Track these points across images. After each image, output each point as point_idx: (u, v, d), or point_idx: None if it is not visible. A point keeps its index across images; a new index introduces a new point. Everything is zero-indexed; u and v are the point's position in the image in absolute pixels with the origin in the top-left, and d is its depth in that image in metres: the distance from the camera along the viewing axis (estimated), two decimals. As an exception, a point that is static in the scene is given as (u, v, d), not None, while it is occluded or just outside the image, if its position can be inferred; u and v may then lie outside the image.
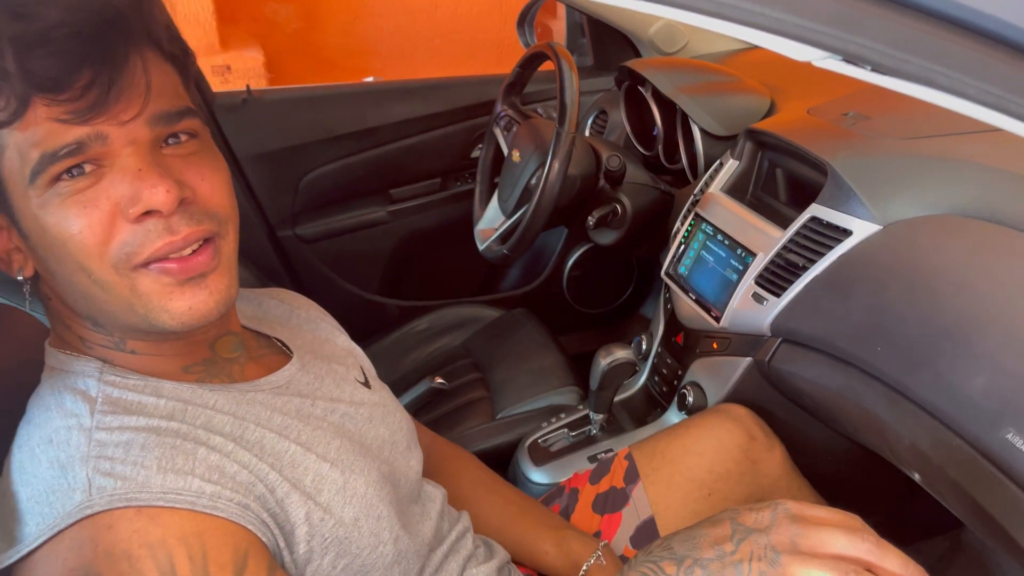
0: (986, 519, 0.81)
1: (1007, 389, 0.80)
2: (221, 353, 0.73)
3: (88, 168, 0.58)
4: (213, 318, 0.65)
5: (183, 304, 0.62)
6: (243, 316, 0.81)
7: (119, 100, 0.58)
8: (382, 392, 0.87)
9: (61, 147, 0.56)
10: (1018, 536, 0.77)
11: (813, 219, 1.09)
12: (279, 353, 0.79)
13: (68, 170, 0.58)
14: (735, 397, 1.18)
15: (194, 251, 0.62)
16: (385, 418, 0.83)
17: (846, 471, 1.23)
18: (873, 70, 0.46)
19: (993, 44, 0.45)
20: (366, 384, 0.85)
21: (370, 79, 2.09)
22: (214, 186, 0.64)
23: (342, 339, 0.91)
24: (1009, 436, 0.78)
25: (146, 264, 0.61)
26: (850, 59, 0.46)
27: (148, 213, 0.59)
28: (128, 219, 0.59)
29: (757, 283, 1.13)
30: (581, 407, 1.34)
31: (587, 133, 1.84)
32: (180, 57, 0.65)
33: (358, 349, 0.92)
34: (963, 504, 0.85)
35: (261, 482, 0.63)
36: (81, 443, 0.59)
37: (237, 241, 0.68)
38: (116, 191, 0.59)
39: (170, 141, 0.62)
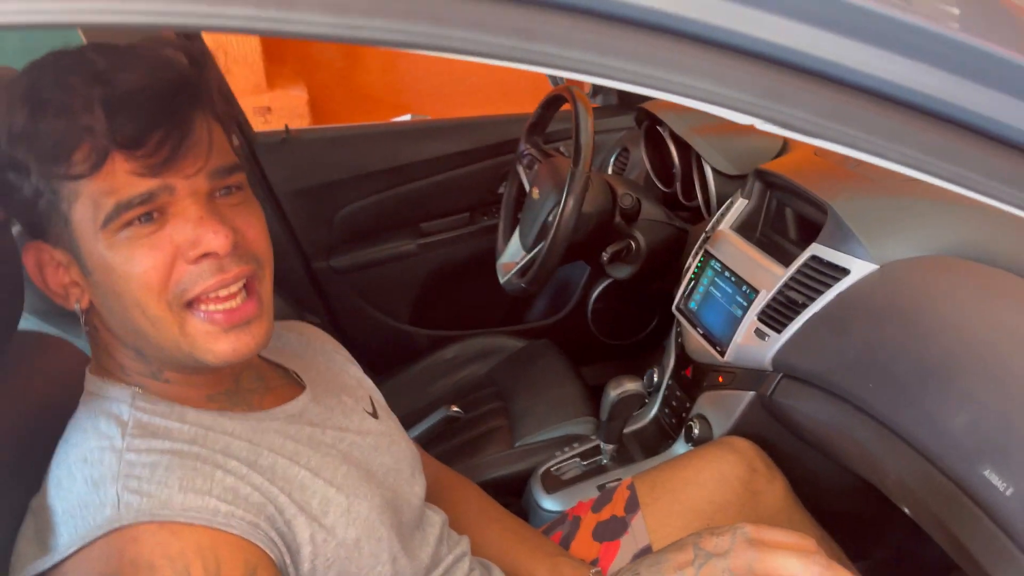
0: (965, 554, 0.83)
1: (987, 427, 0.83)
2: (243, 384, 0.79)
3: (155, 215, 0.65)
4: (252, 357, 0.72)
5: (227, 347, 0.69)
6: None
7: (186, 157, 0.65)
8: (389, 422, 0.93)
9: (135, 197, 0.63)
10: (992, 570, 0.79)
11: (813, 258, 1.12)
12: (293, 384, 0.86)
13: (139, 217, 0.64)
14: (739, 430, 1.21)
15: (242, 302, 0.69)
16: (390, 447, 0.88)
17: (852, 506, 1.24)
18: (808, 136, 0.51)
19: (907, 111, 0.50)
20: (374, 415, 0.91)
21: (407, 116, 2.18)
22: (257, 232, 0.72)
23: (353, 370, 0.97)
24: (986, 473, 0.80)
25: (196, 302, 0.68)
26: (780, 125, 0.51)
27: (205, 255, 0.67)
28: (187, 260, 0.66)
29: (760, 319, 1.16)
30: (593, 437, 1.38)
31: (610, 170, 1.89)
32: (229, 117, 0.73)
33: (368, 381, 0.98)
34: (946, 538, 0.87)
35: (272, 504, 0.69)
36: (113, 463, 0.65)
37: (272, 281, 0.75)
38: (179, 236, 0.66)
39: (223, 193, 0.70)
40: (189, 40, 0.70)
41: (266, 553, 0.66)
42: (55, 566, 0.62)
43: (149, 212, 0.65)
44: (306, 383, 0.85)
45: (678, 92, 0.49)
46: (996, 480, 0.79)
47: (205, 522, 0.63)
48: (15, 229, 1.13)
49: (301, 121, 2.67)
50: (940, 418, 0.87)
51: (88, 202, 0.64)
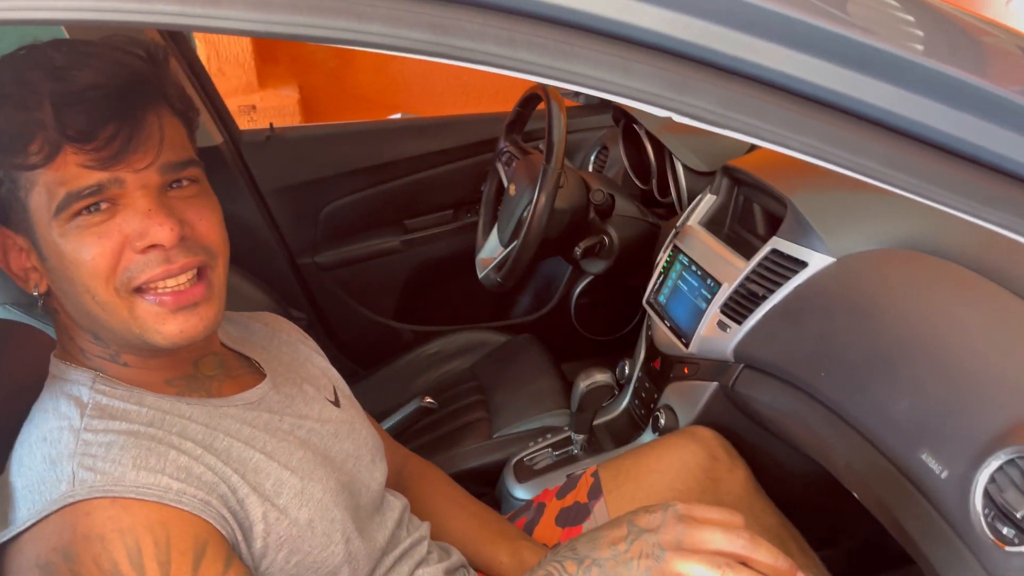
0: (905, 534, 0.86)
1: (926, 413, 0.85)
2: (202, 370, 0.82)
3: (104, 206, 0.68)
4: (199, 340, 0.75)
5: (175, 327, 0.72)
6: (228, 337, 0.91)
7: (136, 151, 0.68)
8: (351, 411, 0.96)
9: (84, 188, 0.67)
10: (927, 550, 0.82)
11: (774, 251, 1.15)
12: (255, 372, 0.89)
13: (88, 207, 0.68)
14: (704, 420, 1.23)
15: (190, 284, 0.72)
16: (351, 434, 0.91)
17: (816, 496, 1.26)
18: (712, 124, 0.54)
19: (807, 103, 0.52)
20: (336, 403, 0.94)
21: (398, 115, 2.21)
22: (210, 224, 0.75)
23: (318, 360, 0.99)
24: (924, 457, 0.83)
25: (142, 288, 0.70)
26: (691, 117, 0.54)
27: (152, 246, 0.69)
28: (135, 250, 0.69)
29: (722, 311, 1.19)
30: (566, 428, 1.41)
31: (590, 168, 1.92)
32: (188, 113, 0.76)
33: (333, 371, 1.00)
34: (889, 520, 0.90)
35: (224, 483, 0.72)
36: (70, 442, 0.68)
37: (226, 272, 0.78)
38: (127, 226, 0.69)
39: (175, 185, 0.73)
40: (148, 37, 0.73)
41: (217, 530, 0.69)
42: (12, 539, 0.65)
43: (98, 203, 0.68)
44: (267, 372, 0.88)
45: (592, 86, 0.52)
46: (932, 464, 0.81)
47: (156, 498, 0.66)
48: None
49: (291, 120, 2.71)
50: (885, 405, 0.90)
51: (43, 191, 0.67)
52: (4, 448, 0.74)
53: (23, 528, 0.65)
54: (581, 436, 1.35)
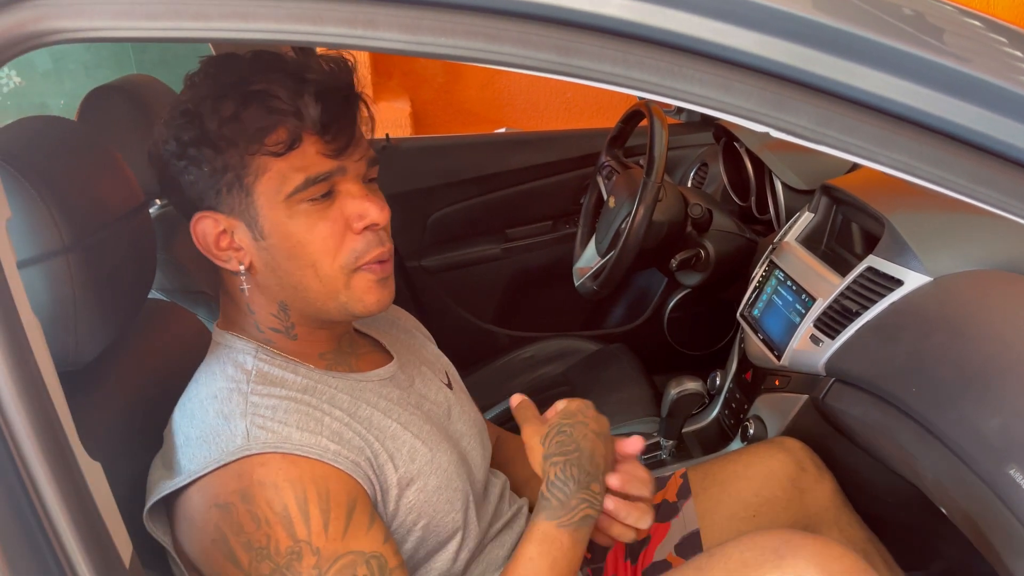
0: (991, 549, 0.87)
1: (1017, 431, 0.86)
2: (343, 347, 0.92)
3: (326, 192, 0.78)
4: (385, 310, 0.86)
5: (375, 298, 0.83)
6: (357, 321, 1.00)
7: (356, 145, 0.80)
8: (461, 395, 1.04)
9: (320, 174, 0.77)
10: (1012, 564, 0.83)
11: (870, 269, 1.17)
12: (382, 352, 0.98)
13: (320, 193, 0.78)
14: (793, 432, 1.26)
15: (387, 261, 0.84)
16: (462, 415, 1.00)
17: (905, 515, 1.27)
18: (806, 140, 0.59)
19: (896, 121, 0.57)
20: (449, 386, 1.02)
21: (503, 130, 2.31)
22: (389, 215, 0.86)
23: (431, 347, 1.08)
24: (1012, 472, 0.84)
25: (362, 267, 0.81)
26: (787, 132, 0.59)
27: (368, 227, 0.80)
28: (354, 231, 0.80)
29: (815, 326, 1.22)
30: (655, 434, 1.45)
31: (689, 184, 1.96)
32: (369, 120, 0.88)
33: (444, 358, 1.09)
34: (974, 535, 0.91)
35: (368, 448, 0.81)
36: (240, 402, 0.78)
37: None
38: (347, 209, 0.79)
39: (372, 178, 0.84)
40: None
41: (364, 489, 0.78)
42: (191, 483, 0.76)
43: (326, 190, 0.78)
44: (393, 354, 0.97)
45: (696, 102, 0.58)
46: (1021, 479, 0.83)
47: (318, 456, 0.76)
48: (152, 210, 1.30)
49: (403, 132, 2.84)
50: (975, 421, 0.91)
51: (275, 176, 0.76)
52: (162, 409, 0.85)
53: (202, 474, 0.75)
54: (670, 442, 1.39)
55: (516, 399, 0.94)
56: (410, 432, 0.86)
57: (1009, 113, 0.54)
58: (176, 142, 0.77)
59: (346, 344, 0.92)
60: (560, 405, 0.92)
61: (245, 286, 0.83)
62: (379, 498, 0.81)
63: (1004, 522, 0.85)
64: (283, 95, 0.75)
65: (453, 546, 0.88)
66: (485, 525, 0.95)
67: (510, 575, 0.82)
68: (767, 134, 1.57)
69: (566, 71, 0.57)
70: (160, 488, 0.77)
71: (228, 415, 0.77)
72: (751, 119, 0.58)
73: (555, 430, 0.88)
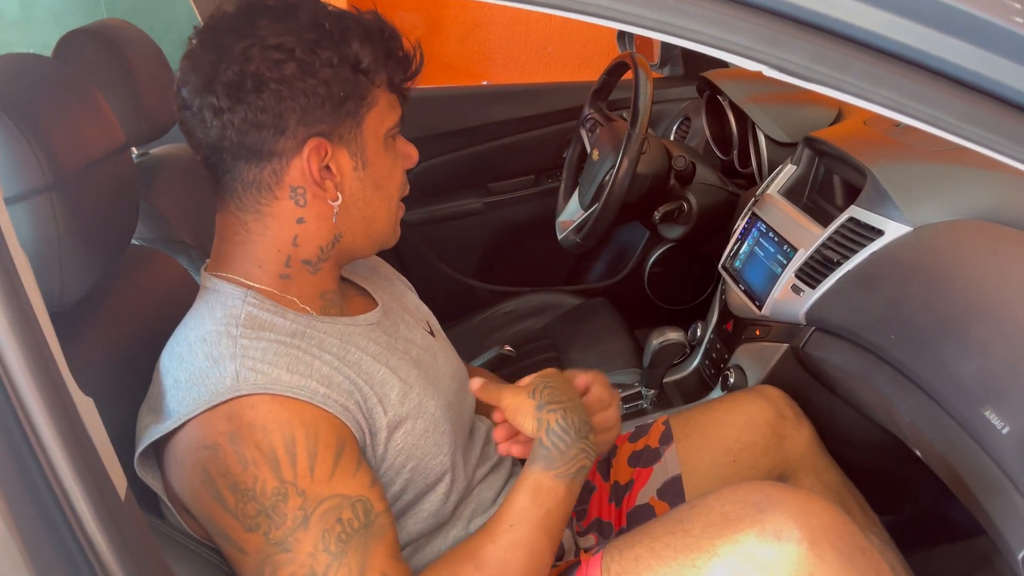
0: (964, 488, 0.90)
1: (992, 373, 0.89)
2: (339, 289, 0.93)
3: None
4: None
5: (399, 231, 0.93)
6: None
7: None
8: (444, 342, 1.04)
9: (402, 115, 0.87)
10: (985, 502, 0.86)
11: (851, 219, 1.18)
12: (368, 298, 0.98)
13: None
14: (772, 380, 1.28)
15: None
16: (447, 361, 1.00)
17: (880, 462, 1.30)
18: (798, 78, 0.60)
19: (888, 59, 0.57)
20: (431, 333, 1.03)
21: (485, 83, 2.29)
22: None
23: (412, 296, 1.08)
24: (987, 413, 0.86)
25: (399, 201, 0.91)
26: (779, 69, 0.59)
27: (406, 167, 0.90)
28: (400, 168, 0.90)
29: (797, 276, 1.23)
30: (637, 384, 1.47)
31: (671, 138, 1.96)
32: None
33: (424, 307, 1.09)
34: (949, 475, 0.94)
35: (358, 392, 0.81)
36: (229, 345, 0.78)
37: None
38: (400, 149, 0.89)
39: None
40: None
41: (352, 433, 0.79)
42: (181, 426, 0.75)
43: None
44: (378, 300, 0.97)
45: (689, 38, 0.58)
46: (995, 420, 0.85)
47: (307, 398, 0.76)
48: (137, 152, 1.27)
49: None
50: (952, 365, 0.93)
51: (382, 110, 0.84)
52: (148, 353, 0.85)
53: (191, 416, 0.75)
54: (651, 391, 1.41)
55: (476, 383, 0.89)
56: (398, 376, 0.87)
57: (1001, 52, 0.55)
58: (303, 62, 0.77)
59: (340, 287, 0.93)
60: (527, 379, 0.88)
61: (335, 213, 0.84)
62: (367, 441, 0.82)
63: (978, 463, 0.87)
64: (398, 36, 0.84)
65: (442, 488, 0.89)
66: (472, 467, 0.97)
67: (501, 524, 0.81)
68: (750, 87, 1.57)
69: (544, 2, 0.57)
70: (150, 433, 0.78)
71: (217, 358, 0.77)
72: (745, 56, 0.58)
73: (541, 384, 0.86)
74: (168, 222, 1.36)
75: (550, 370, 0.89)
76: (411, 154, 0.91)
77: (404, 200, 0.93)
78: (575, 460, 0.82)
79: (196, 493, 0.75)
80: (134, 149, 1.45)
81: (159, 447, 0.79)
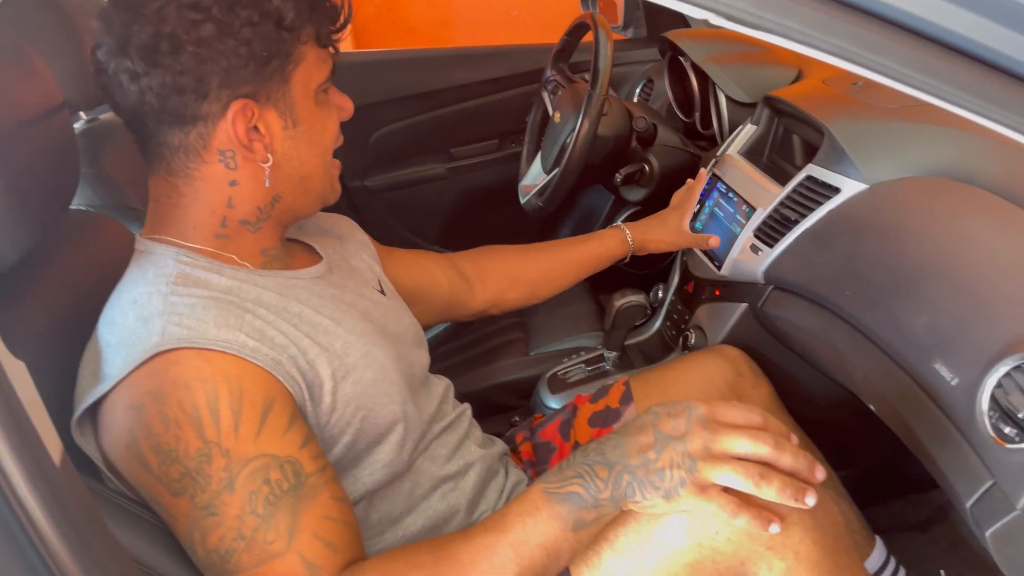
0: (915, 440, 0.91)
1: (943, 327, 0.90)
2: (282, 245, 0.91)
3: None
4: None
5: (339, 187, 0.91)
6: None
7: None
8: (396, 301, 1.03)
9: (334, 67, 0.85)
10: (935, 451, 0.87)
11: (809, 178, 1.19)
12: (313, 254, 0.97)
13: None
14: (732, 340, 1.29)
15: None
16: (398, 318, 1.00)
17: (835, 416, 1.32)
18: (744, 25, 0.59)
19: (836, 5, 0.56)
20: (382, 292, 1.02)
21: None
22: None
23: (365, 256, 1.06)
24: (937, 366, 0.87)
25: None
26: (725, 16, 0.58)
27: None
28: (335, 122, 0.87)
29: (755, 235, 1.24)
30: (599, 347, 1.47)
31: (635, 100, 1.95)
32: None
33: (378, 266, 1.08)
34: (900, 427, 0.95)
35: (295, 345, 0.80)
36: (159, 303, 0.77)
37: None
38: (334, 101, 0.87)
39: None
40: None
41: (285, 388, 0.77)
42: (112, 389, 0.74)
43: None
44: (323, 255, 0.96)
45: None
46: (945, 372, 0.86)
47: (235, 352, 0.74)
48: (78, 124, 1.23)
49: (342, 47, 2.75)
50: (904, 320, 0.94)
51: (311, 66, 0.81)
52: (94, 318, 0.83)
53: (120, 377, 0.73)
54: (613, 353, 1.41)
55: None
56: (343, 327, 0.86)
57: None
58: (221, 22, 0.74)
59: (285, 244, 0.92)
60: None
61: (268, 177, 0.83)
62: (306, 396, 0.79)
63: (928, 414, 0.88)
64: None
65: (395, 437, 0.88)
66: (427, 421, 0.96)
67: (480, 526, 0.75)
68: (711, 47, 1.56)
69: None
70: (84, 398, 0.76)
71: (147, 317, 0.75)
72: (692, 3, 0.57)
73: (647, 412, 0.78)
74: (120, 188, 1.32)
75: (702, 410, 0.75)
76: (345, 105, 0.88)
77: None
78: (569, 481, 0.74)
79: (123, 458, 0.74)
80: (82, 114, 1.41)
81: (94, 412, 0.77)
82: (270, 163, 0.81)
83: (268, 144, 0.81)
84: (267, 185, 0.83)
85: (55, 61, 1.14)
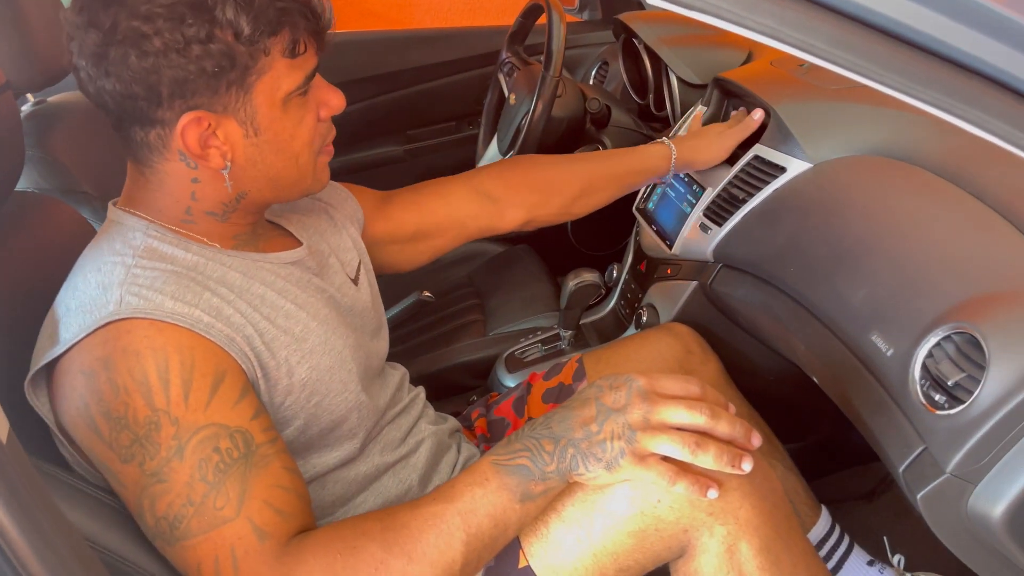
0: (853, 409, 0.95)
1: (880, 300, 0.93)
2: (257, 230, 0.91)
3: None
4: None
5: (327, 176, 0.90)
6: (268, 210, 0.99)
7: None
8: (365, 290, 1.03)
9: (311, 72, 0.80)
10: (869, 419, 0.91)
11: (756, 157, 1.21)
12: (291, 239, 0.96)
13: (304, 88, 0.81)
14: (683, 318, 1.32)
15: None
16: (363, 311, 1.00)
17: (782, 391, 1.35)
18: (683, 6, 0.60)
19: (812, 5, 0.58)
20: (355, 281, 1.02)
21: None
22: None
23: (352, 231, 1.05)
24: (874, 338, 0.91)
25: (322, 150, 0.87)
26: (704, 12, 0.60)
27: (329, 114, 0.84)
28: (320, 119, 0.84)
29: (705, 214, 1.26)
30: (555, 326, 1.49)
31: (591, 82, 1.96)
32: None
33: (361, 244, 1.07)
34: (842, 399, 0.99)
35: (252, 326, 0.80)
36: (121, 273, 0.77)
37: None
38: (318, 99, 0.83)
39: None
40: None
41: (237, 364, 0.77)
42: (64, 352, 0.74)
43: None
44: (303, 241, 0.96)
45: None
46: (880, 343, 0.90)
47: (188, 326, 0.74)
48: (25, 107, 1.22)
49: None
50: (844, 294, 0.98)
51: (278, 76, 0.77)
52: (39, 299, 0.83)
53: (74, 342, 0.73)
54: (568, 332, 1.43)
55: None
56: (305, 312, 0.87)
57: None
58: (168, 41, 0.72)
59: (260, 228, 0.92)
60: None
61: (228, 181, 0.81)
62: (259, 375, 0.80)
63: (865, 384, 0.92)
64: (298, 7, 0.77)
65: (348, 425, 0.89)
66: (381, 409, 0.97)
67: (427, 496, 0.77)
68: (663, 29, 1.57)
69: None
70: (39, 359, 0.76)
71: (107, 285, 0.76)
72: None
73: (607, 383, 0.80)
74: (69, 172, 1.30)
75: (643, 381, 0.78)
76: (330, 101, 0.84)
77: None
78: (517, 454, 0.77)
79: (74, 422, 0.74)
80: (29, 96, 1.39)
81: (48, 375, 0.77)
82: (228, 169, 0.80)
83: (227, 152, 0.79)
84: (228, 186, 0.82)
85: (1, 43, 1.12)
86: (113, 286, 0.76)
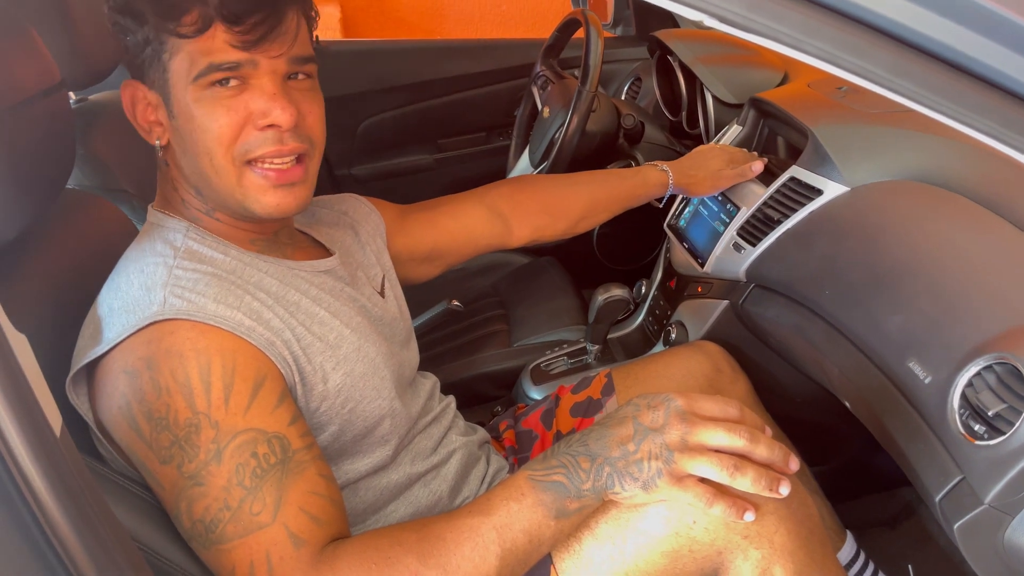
0: (887, 436, 0.94)
1: (917, 326, 0.93)
2: (280, 238, 0.92)
3: (235, 83, 0.78)
4: (290, 215, 0.86)
5: (273, 200, 0.82)
6: (297, 220, 1.00)
7: (274, 40, 0.78)
8: (392, 303, 1.04)
9: (224, 63, 0.76)
10: (906, 447, 0.90)
11: (792, 179, 1.21)
12: (322, 249, 0.98)
13: (222, 80, 0.77)
14: (712, 336, 1.31)
15: (292, 166, 0.82)
16: (392, 321, 1.01)
17: (811, 414, 1.35)
18: (737, 27, 0.61)
19: (821, 10, 0.59)
20: (381, 294, 1.03)
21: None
22: (316, 118, 0.85)
23: (379, 244, 1.07)
24: (911, 364, 0.90)
25: (253, 162, 0.80)
26: (718, 19, 0.60)
27: (270, 126, 0.79)
28: (255, 127, 0.79)
29: (738, 234, 1.26)
30: (582, 340, 1.49)
31: (623, 98, 1.97)
32: (311, 14, 0.86)
33: (388, 260, 1.08)
34: (874, 423, 0.98)
35: (290, 331, 0.81)
36: (164, 275, 0.78)
37: (320, 162, 0.88)
38: (253, 104, 0.78)
39: (295, 77, 0.82)
40: None
41: (277, 368, 0.78)
42: (108, 352, 0.75)
43: (231, 78, 0.77)
44: (334, 251, 0.97)
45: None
46: (918, 370, 0.89)
47: (231, 329, 0.75)
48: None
49: (332, 36, 2.75)
50: (880, 319, 0.97)
51: (186, 58, 0.77)
52: (84, 295, 0.84)
53: (117, 342, 0.75)
54: (595, 347, 1.43)
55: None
56: (339, 320, 0.87)
57: (929, 6, 0.57)
58: (112, 10, 0.78)
59: (284, 236, 0.93)
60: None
61: (165, 161, 0.83)
62: (296, 380, 0.81)
63: (901, 410, 0.91)
64: None
65: (380, 432, 0.90)
66: (413, 417, 0.98)
67: (464, 509, 0.77)
68: (700, 48, 1.58)
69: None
70: (81, 358, 0.77)
71: (150, 286, 0.77)
72: (684, 3, 0.59)
73: (628, 404, 0.80)
74: (109, 170, 1.32)
75: (682, 402, 0.77)
76: (268, 112, 0.78)
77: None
78: (553, 470, 0.76)
79: (115, 420, 0.75)
80: (72, 94, 1.41)
81: (90, 374, 0.78)
82: (159, 148, 0.83)
83: (160, 134, 0.82)
84: (176, 172, 0.84)
85: (51, 40, 1.14)
86: (156, 287, 0.77)
